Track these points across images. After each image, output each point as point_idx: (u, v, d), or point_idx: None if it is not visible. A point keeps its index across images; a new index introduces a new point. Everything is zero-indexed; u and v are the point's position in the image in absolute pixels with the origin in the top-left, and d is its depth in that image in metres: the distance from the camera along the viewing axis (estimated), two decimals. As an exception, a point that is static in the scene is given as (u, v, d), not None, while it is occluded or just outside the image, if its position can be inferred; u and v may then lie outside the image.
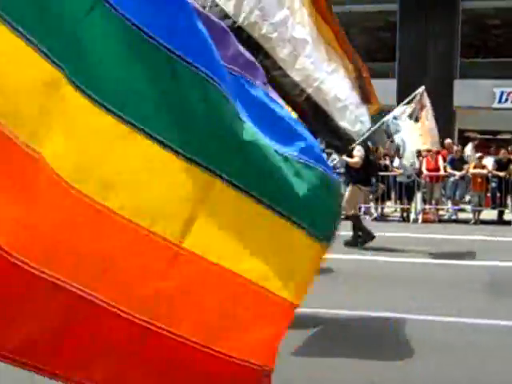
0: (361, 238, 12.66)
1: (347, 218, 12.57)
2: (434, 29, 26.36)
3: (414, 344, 6.25)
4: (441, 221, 17.75)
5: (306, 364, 5.67)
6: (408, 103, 13.17)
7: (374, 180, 15.71)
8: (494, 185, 17.56)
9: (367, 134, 12.72)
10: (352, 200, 12.80)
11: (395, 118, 12.75)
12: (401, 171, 17.86)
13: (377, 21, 29.95)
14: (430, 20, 26.42)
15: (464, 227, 16.39)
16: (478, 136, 24.57)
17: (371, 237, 12.57)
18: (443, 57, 26.64)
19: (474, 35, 29.25)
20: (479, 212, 17.62)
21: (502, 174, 17.27)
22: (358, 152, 12.46)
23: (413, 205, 18.07)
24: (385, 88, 26.67)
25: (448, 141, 19.71)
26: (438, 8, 26.20)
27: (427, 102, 13.17)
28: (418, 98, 13.04)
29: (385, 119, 12.80)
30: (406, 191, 17.96)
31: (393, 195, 18.72)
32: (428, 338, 6.44)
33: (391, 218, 18.61)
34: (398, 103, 25.63)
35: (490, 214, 17.76)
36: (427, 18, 26.45)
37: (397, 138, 12.68)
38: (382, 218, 18.45)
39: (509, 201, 17.62)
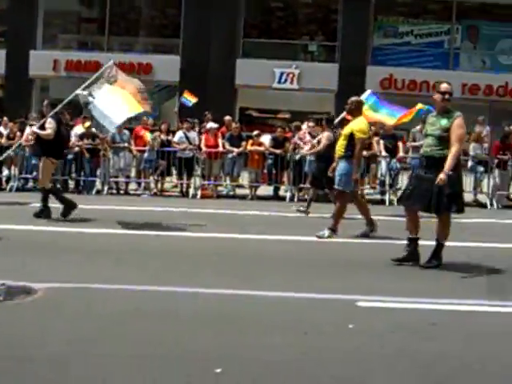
0: (65, 210, 12.13)
1: (46, 191, 12.34)
2: (218, 8, 26.63)
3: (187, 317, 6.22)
4: (219, 196, 18.04)
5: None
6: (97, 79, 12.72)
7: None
8: (270, 162, 18.05)
9: (57, 108, 12.62)
10: (47, 173, 12.54)
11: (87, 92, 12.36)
12: (183, 146, 17.96)
13: (164, -3, 29.81)
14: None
15: (240, 203, 16.75)
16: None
17: (74, 206, 12.15)
18: (226, 36, 27.04)
19: (258, 16, 29.93)
20: (256, 188, 18.07)
21: (278, 151, 17.78)
22: (50, 124, 12.23)
23: (192, 180, 18.21)
24: (169, 64, 26.83)
25: (227, 118, 19.93)
26: (223, -12, 26.54)
27: (120, 76, 12.73)
28: (107, 72, 12.62)
29: (75, 93, 12.54)
30: (185, 167, 18.04)
31: (173, 171, 18.76)
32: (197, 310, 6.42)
33: (171, 194, 18.66)
34: (181, 80, 26.06)
35: (266, 189, 18.31)
36: (212, -2, 26.71)
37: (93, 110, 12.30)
38: (162, 193, 18.46)
39: (284, 177, 18.20)
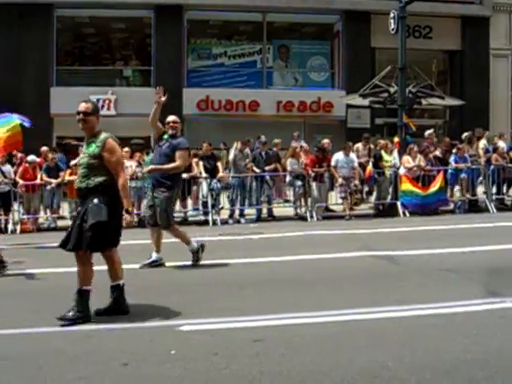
0: None
1: None
2: (29, 36, 25.95)
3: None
4: (40, 230, 17.50)
5: None
6: None
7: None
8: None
9: None
10: None
11: None
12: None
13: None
14: (24, 27, 25.95)
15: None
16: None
17: None
18: (39, 64, 26.37)
19: (71, 43, 29.47)
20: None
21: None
22: None
23: (11, 216, 17.55)
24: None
25: (44, 149, 19.45)
26: (32, 15, 25.87)
27: None
28: None
29: None
30: (2, 202, 17.36)
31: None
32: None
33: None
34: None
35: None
36: (22, 26, 25.95)
37: None
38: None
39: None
